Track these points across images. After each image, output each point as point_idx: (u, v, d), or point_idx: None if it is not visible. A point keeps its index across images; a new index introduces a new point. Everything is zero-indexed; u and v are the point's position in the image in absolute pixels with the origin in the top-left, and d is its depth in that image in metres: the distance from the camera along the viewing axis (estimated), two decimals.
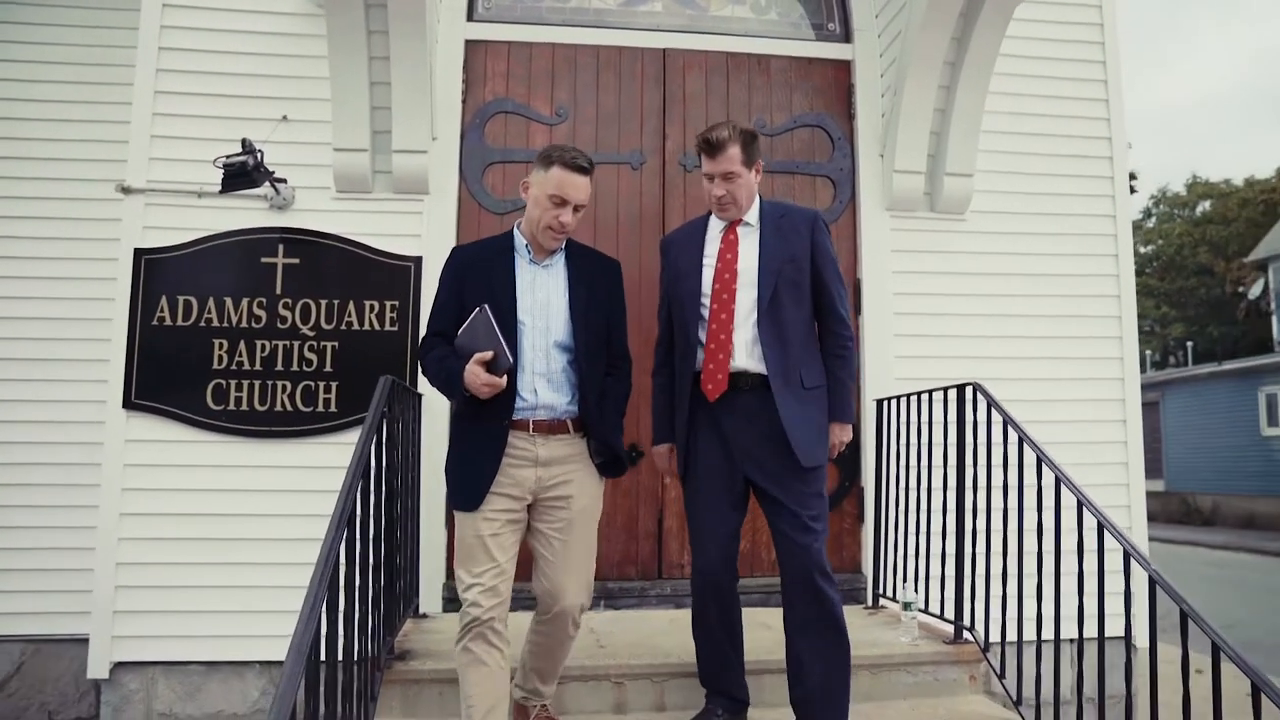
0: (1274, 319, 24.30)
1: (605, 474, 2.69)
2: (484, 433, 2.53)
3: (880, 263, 4.18)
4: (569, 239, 2.68)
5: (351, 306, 3.77)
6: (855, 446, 4.05)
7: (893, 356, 4.12)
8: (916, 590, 3.41)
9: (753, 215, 2.78)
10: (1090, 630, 2.91)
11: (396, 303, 3.79)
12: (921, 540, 3.48)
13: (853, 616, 3.15)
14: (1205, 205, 32.79)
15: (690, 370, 2.75)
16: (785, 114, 4.26)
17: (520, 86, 4.07)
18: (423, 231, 3.85)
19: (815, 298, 2.73)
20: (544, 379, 2.57)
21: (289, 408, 3.71)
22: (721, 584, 2.68)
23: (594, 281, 2.68)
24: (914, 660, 3.07)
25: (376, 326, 3.78)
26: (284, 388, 3.71)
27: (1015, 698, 2.84)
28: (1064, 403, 4.11)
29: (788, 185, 4.20)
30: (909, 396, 3.64)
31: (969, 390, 3.28)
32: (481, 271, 2.62)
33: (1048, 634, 2.80)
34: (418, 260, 3.82)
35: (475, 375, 2.42)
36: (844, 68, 4.32)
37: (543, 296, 2.61)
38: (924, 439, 3.50)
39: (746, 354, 2.66)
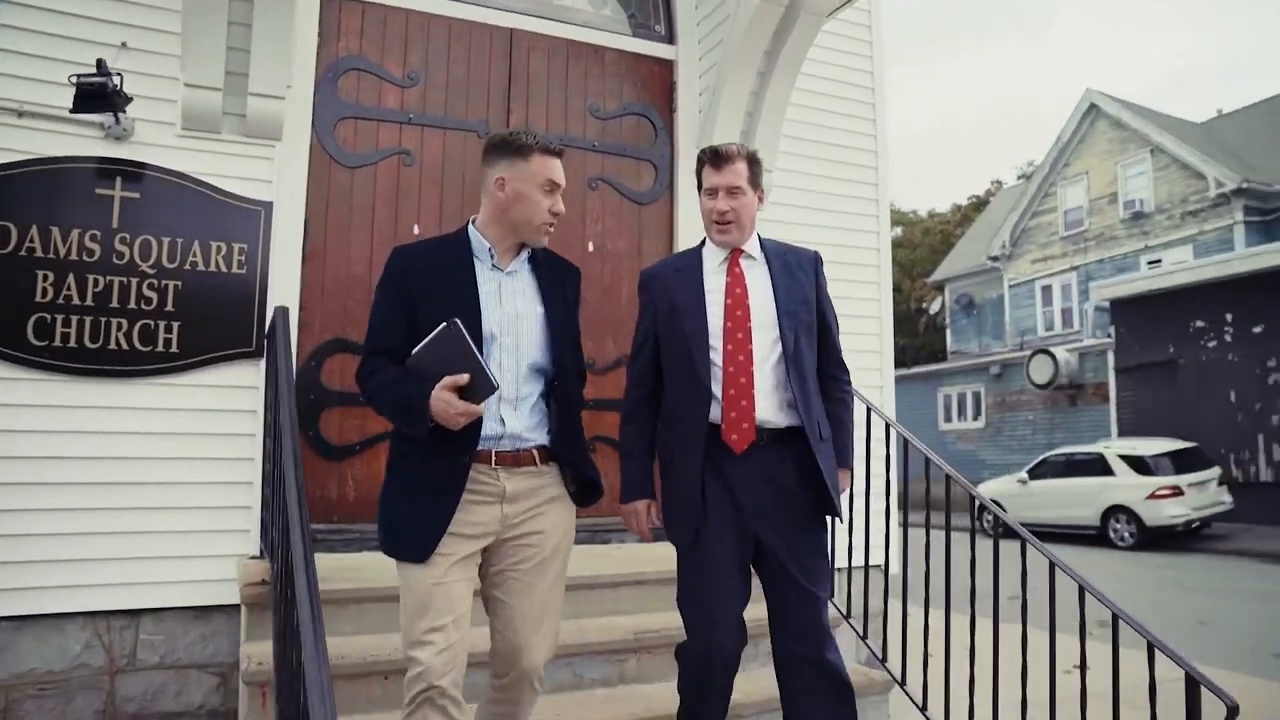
0: (948, 332, 28.67)
1: (580, 503, 2.36)
2: (439, 468, 2.14)
3: (693, 241, 4.71)
4: None
5: (197, 246, 3.68)
6: None
7: None
8: None
9: (754, 248, 2.60)
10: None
11: (245, 246, 3.75)
12: None
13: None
14: (898, 231, 37.63)
15: (698, 418, 2.44)
16: (616, 101, 4.69)
17: (374, 47, 4.17)
18: (274, 178, 3.84)
19: (819, 340, 2.59)
20: (511, 405, 2.21)
21: (125, 346, 3.56)
22: (733, 653, 2.44)
23: (563, 290, 2.38)
24: None
25: (224, 269, 3.72)
26: (120, 325, 3.56)
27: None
28: None
29: (617, 165, 4.63)
30: None
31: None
32: (434, 278, 2.23)
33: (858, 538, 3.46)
34: (268, 205, 3.80)
35: (448, 404, 2.04)
36: (668, 66, 4.83)
37: (511, 309, 2.25)
38: None
39: (766, 401, 2.43)
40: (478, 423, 2.13)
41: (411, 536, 2.11)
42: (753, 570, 2.52)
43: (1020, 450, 20.31)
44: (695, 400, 2.44)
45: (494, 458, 2.18)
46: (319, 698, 1.47)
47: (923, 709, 3.14)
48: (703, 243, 2.66)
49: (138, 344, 3.58)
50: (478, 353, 2.06)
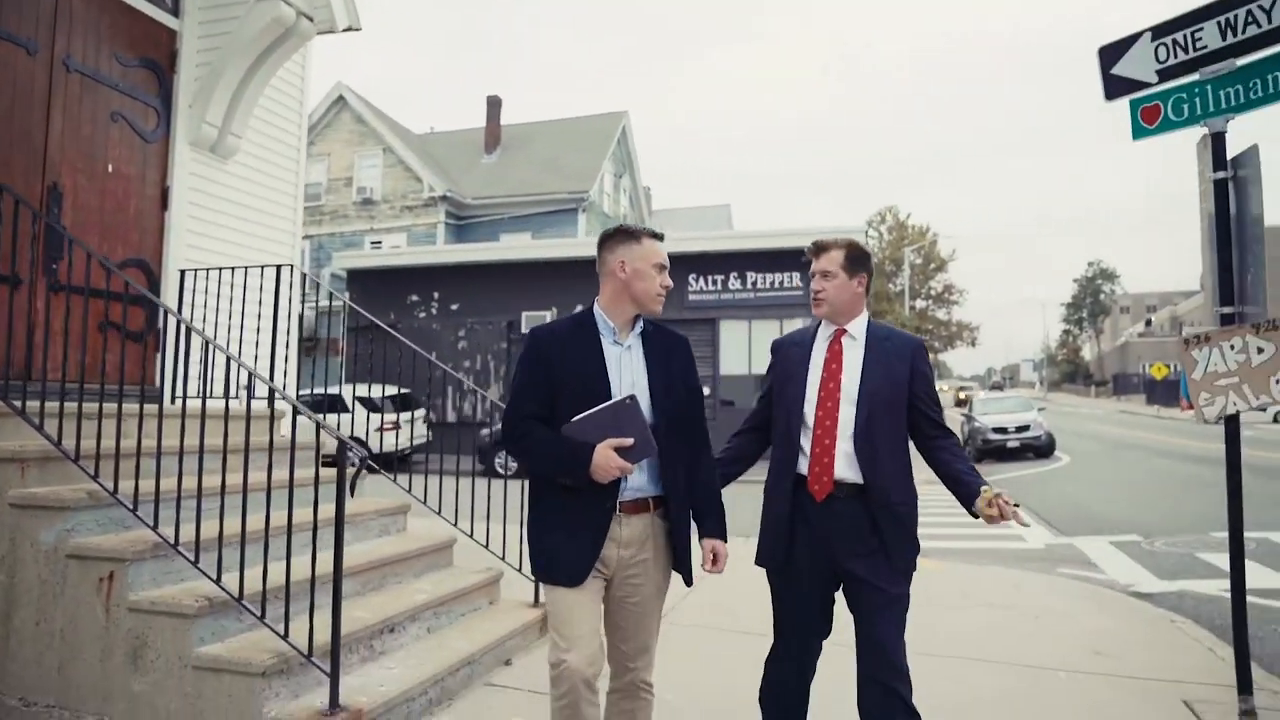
0: None
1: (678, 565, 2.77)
2: (586, 512, 2.59)
3: (182, 180, 6.07)
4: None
5: None
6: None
7: (185, 245, 6.07)
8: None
9: (857, 329, 2.97)
10: None
11: None
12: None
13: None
14: None
15: (789, 469, 2.93)
16: (135, 53, 5.74)
17: None
18: None
19: (912, 415, 2.93)
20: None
21: None
22: (807, 653, 2.97)
23: (668, 358, 2.76)
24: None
25: None
26: None
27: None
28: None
29: (133, 106, 5.71)
30: (220, 270, 5.77)
31: (286, 270, 5.73)
32: (570, 352, 2.66)
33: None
34: None
35: (611, 459, 2.48)
36: (173, 34, 6.03)
37: (629, 378, 2.66)
38: (235, 298, 5.71)
39: (846, 464, 2.82)
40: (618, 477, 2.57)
41: (568, 567, 2.59)
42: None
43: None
44: (787, 452, 2.95)
45: (619, 506, 2.64)
46: None
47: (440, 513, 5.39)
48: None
49: None
50: (646, 423, 2.55)
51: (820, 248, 2.98)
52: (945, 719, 2.84)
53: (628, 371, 2.69)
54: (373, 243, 29.33)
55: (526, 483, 2.74)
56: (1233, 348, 3.92)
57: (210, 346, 3.90)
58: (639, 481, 2.65)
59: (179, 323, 4.04)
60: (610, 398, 2.59)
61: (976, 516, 2.78)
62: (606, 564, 2.64)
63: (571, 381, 2.62)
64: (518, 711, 3.89)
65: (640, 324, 2.77)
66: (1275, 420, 34.24)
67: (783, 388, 3.02)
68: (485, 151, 33.25)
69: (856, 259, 2.96)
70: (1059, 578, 7.50)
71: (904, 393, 2.90)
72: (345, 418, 16.92)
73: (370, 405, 17.11)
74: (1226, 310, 4.05)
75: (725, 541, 2.79)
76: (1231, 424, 4.04)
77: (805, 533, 2.88)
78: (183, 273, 5.82)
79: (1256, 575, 7.00)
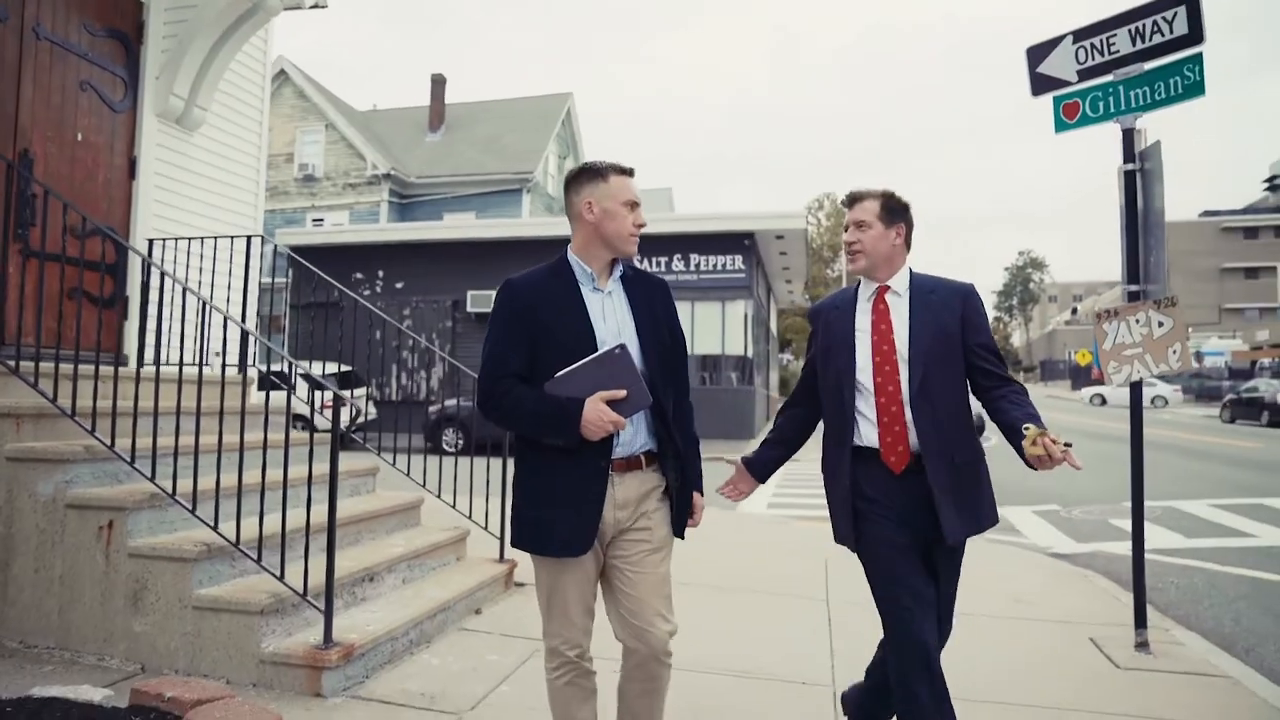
0: None
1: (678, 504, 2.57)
2: (579, 473, 2.39)
3: (149, 151, 6.16)
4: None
5: None
6: (125, 268, 5.96)
7: (152, 215, 6.17)
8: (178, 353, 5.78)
9: (900, 284, 2.78)
10: None
11: None
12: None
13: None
14: None
15: (845, 442, 2.73)
16: (103, 22, 5.82)
17: None
18: None
19: (969, 369, 2.73)
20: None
21: None
22: (933, 653, 2.58)
23: (652, 303, 2.58)
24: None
25: None
26: None
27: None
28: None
29: (100, 75, 5.79)
30: (189, 240, 5.90)
31: (255, 240, 5.89)
32: (549, 302, 2.44)
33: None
34: None
35: (603, 413, 2.28)
36: (140, 5, 6.09)
37: (613, 325, 2.47)
38: (205, 265, 5.86)
39: (915, 430, 2.64)
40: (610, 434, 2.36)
41: (563, 537, 2.38)
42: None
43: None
44: (842, 424, 2.75)
45: (610, 465, 2.43)
46: None
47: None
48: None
49: None
50: (639, 371, 2.34)
51: (854, 198, 2.83)
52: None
53: (611, 318, 2.48)
54: (314, 220, 29.00)
55: (490, 459, 2.87)
56: (1138, 321, 4.40)
57: (211, 311, 4.09)
58: (628, 436, 2.45)
59: (184, 289, 4.21)
60: (596, 348, 2.38)
61: (1034, 468, 2.46)
62: (602, 530, 2.44)
63: (551, 334, 2.40)
64: (493, 650, 4.19)
65: (619, 268, 2.57)
66: (1153, 403, 36.07)
67: (828, 356, 2.82)
68: (429, 130, 33.00)
69: (894, 209, 2.78)
70: (984, 541, 8.05)
71: (957, 346, 2.71)
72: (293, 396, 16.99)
73: (313, 383, 17.06)
74: (1133, 288, 4.54)
75: (702, 494, 2.64)
76: (1135, 390, 4.53)
77: (880, 510, 2.67)
78: (150, 242, 5.93)
79: (1161, 537, 7.64)
